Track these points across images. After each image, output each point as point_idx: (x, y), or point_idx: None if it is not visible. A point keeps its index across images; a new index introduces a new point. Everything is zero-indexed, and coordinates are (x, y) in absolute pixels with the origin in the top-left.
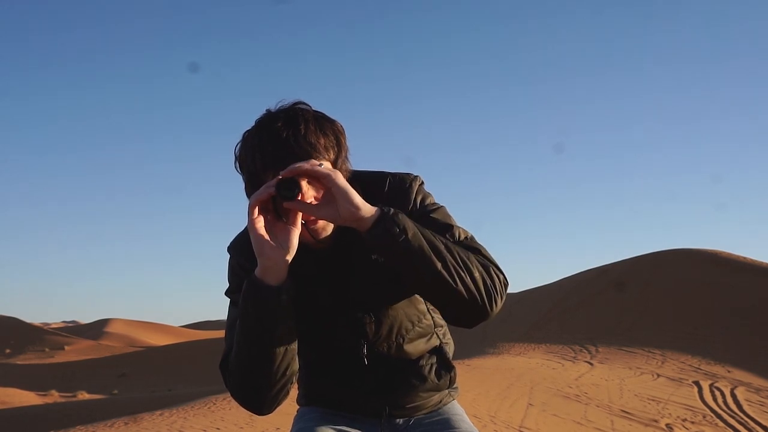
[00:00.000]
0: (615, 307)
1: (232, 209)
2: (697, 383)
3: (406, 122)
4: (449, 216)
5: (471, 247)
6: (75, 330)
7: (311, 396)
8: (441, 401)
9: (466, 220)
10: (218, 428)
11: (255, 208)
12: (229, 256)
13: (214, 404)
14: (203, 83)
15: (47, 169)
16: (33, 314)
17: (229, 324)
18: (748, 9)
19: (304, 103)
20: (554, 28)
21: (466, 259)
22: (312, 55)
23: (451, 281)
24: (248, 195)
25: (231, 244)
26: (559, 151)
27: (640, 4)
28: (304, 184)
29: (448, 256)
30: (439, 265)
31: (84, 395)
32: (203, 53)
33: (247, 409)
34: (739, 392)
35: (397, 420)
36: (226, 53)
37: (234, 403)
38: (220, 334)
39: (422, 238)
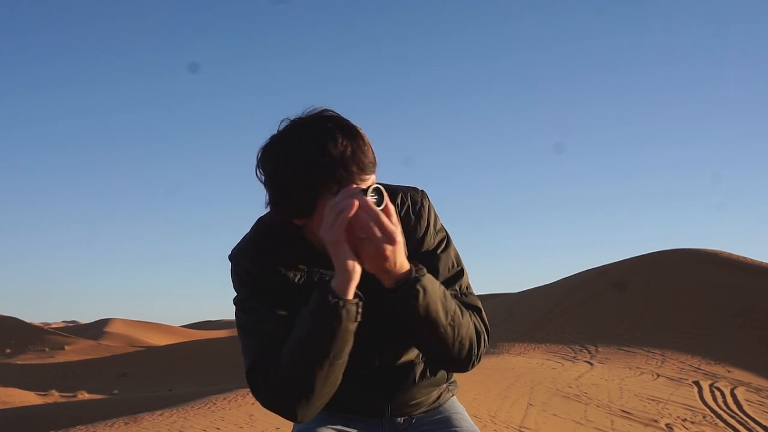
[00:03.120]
0: (615, 307)
1: (231, 209)
2: (697, 383)
3: (406, 122)
4: (458, 253)
5: (473, 306)
6: (75, 330)
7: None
8: (440, 397)
9: (466, 219)
10: (218, 428)
11: (346, 221)
12: (231, 264)
13: (214, 404)
14: (203, 83)
15: (47, 168)
16: (33, 314)
17: (250, 330)
18: (749, 9)
19: (333, 111)
20: (554, 28)
21: (465, 331)
22: (312, 55)
23: (445, 346)
24: (287, 206)
25: (233, 253)
26: (559, 151)
27: (640, 4)
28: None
29: (452, 330)
30: (441, 335)
31: (84, 395)
32: (203, 53)
33: (286, 417)
34: (739, 392)
35: (398, 419)
36: (226, 53)
37: (234, 403)
38: (220, 334)
39: (438, 310)
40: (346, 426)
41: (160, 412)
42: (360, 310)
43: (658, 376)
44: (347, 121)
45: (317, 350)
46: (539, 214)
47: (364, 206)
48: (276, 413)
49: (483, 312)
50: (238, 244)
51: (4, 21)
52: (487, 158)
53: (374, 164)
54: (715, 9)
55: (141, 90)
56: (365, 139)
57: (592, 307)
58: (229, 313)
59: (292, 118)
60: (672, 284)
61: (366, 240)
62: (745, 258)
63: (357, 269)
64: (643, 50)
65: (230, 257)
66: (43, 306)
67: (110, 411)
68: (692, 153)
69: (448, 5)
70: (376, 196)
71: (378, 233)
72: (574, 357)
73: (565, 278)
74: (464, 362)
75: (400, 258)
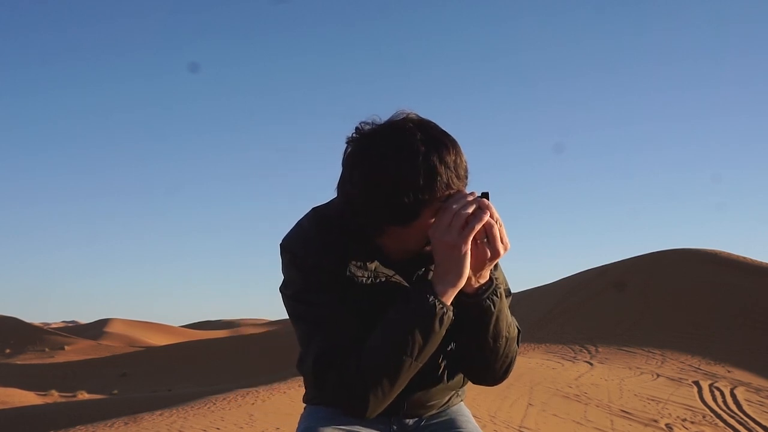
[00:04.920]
0: (615, 307)
1: (231, 209)
2: (696, 383)
3: None
4: (503, 273)
5: (517, 327)
6: (75, 330)
7: (321, 395)
8: (449, 400)
9: None
10: (218, 428)
11: (477, 229)
12: (287, 253)
13: (214, 404)
14: (203, 83)
15: (47, 168)
16: (33, 314)
17: (312, 321)
18: (749, 9)
19: (419, 115)
20: (554, 28)
21: (512, 347)
22: (312, 55)
23: (494, 359)
24: (388, 211)
25: (289, 241)
26: (559, 151)
27: (640, 4)
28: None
29: (506, 343)
30: (498, 345)
31: (84, 395)
32: (203, 53)
33: (352, 411)
34: (739, 392)
35: (407, 420)
36: (226, 53)
37: (234, 403)
38: (220, 334)
39: (505, 320)
40: (352, 426)
41: (160, 412)
42: (453, 317)
43: (658, 376)
44: (440, 127)
45: (412, 351)
46: (539, 214)
47: (492, 213)
48: (341, 405)
49: (520, 334)
50: (294, 233)
51: (4, 21)
52: (487, 158)
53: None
54: (715, 9)
55: (141, 90)
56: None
57: (592, 307)
58: (228, 313)
59: (383, 121)
60: (672, 284)
61: (482, 244)
62: (745, 258)
63: (466, 277)
64: (643, 50)
65: (284, 245)
66: (43, 306)
67: (110, 411)
68: (692, 153)
69: (448, 5)
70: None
71: (499, 239)
72: (574, 357)
73: (565, 278)
74: (499, 378)
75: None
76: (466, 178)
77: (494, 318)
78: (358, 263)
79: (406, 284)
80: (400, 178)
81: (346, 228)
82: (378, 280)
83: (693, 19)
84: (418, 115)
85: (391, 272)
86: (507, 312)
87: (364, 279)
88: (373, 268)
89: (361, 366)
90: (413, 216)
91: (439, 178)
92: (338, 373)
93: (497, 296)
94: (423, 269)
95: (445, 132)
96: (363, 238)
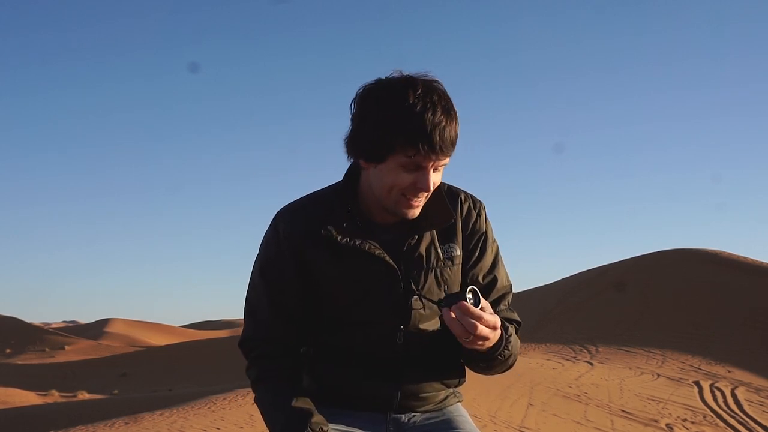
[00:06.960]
0: (615, 307)
1: (231, 209)
2: (697, 383)
3: None
4: (506, 268)
5: (516, 320)
6: (75, 330)
7: (317, 395)
8: (446, 399)
9: None
10: (218, 428)
11: None
12: (273, 222)
13: (214, 404)
14: (203, 83)
15: (47, 168)
16: (33, 314)
17: (253, 309)
18: (749, 9)
19: (441, 84)
20: (554, 28)
21: (517, 353)
22: (312, 55)
23: (500, 368)
24: (362, 148)
25: (285, 207)
26: (559, 151)
27: (640, 4)
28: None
29: (513, 359)
30: (506, 365)
31: (84, 395)
32: (203, 53)
33: None
34: (740, 392)
35: (402, 417)
36: (226, 53)
37: (234, 403)
38: (220, 334)
39: (513, 353)
40: (349, 426)
41: (160, 412)
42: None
43: (659, 376)
44: (450, 101)
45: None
46: (539, 214)
47: (466, 312)
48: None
49: (519, 319)
50: (292, 203)
51: (4, 21)
52: (487, 158)
53: (453, 148)
54: (715, 9)
55: (141, 90)
56: (457, 123)
57: (592, 307)
58: (228, 313)
59: (404, 73)
60: (672, 284)
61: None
62: (745, 258)
63: None
64: (643, 50)
65: (277, 213)
66: (43, 306)
67: (110, 411)
68: (692, 153)
69: (448, 5)
70: (473, 299)
71: (483, 331)
72: (574, 357)
73: (565, 278)
74: (502, 372)
75: (498, 333)
76: (443, 152)
77: (505, 359)
78: (337, 221)
79: (378, 248)
80: (381, 122)
81: (339, 191)
82: (353, 242)
83: (693, 19)
84: (435, 80)
85: (367, 236)
86: (517, 342)
87: (339, 237)
88: (350, 228)
89: (253, 383)
90: (381, 159)
91: (410, 138)
92: (249, 363)
93: (509, 350)
94: (416, 237)
95: (445, 103)
96: (350, 202)
